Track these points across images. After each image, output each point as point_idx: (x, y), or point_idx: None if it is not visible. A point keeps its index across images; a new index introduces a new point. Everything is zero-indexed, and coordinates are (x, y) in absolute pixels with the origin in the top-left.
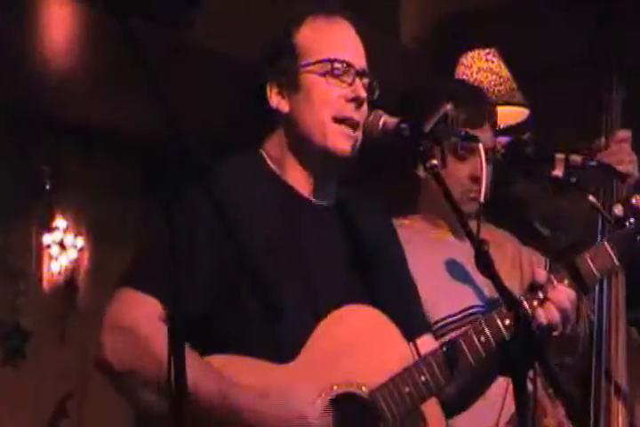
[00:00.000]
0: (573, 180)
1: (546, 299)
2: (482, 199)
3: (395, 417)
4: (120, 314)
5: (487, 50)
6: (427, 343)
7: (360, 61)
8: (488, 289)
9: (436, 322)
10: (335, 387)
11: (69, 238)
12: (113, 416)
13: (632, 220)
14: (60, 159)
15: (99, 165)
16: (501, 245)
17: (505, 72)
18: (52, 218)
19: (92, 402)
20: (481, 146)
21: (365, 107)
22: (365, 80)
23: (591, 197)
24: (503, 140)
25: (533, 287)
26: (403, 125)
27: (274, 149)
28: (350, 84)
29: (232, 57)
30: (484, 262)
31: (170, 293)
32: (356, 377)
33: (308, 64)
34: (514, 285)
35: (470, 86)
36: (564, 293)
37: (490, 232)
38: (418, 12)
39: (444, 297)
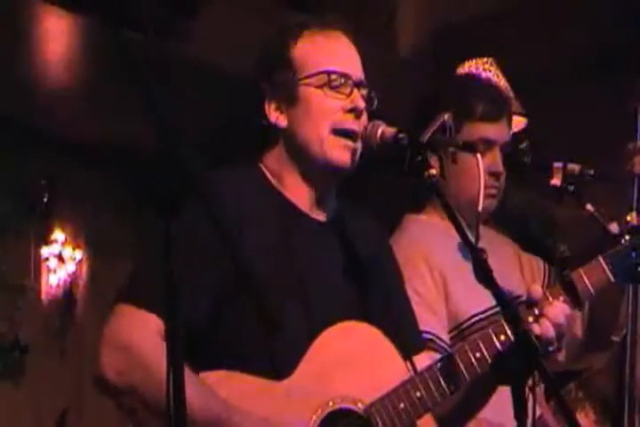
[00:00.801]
0: (571, 188)
1: (541, 315)
2: (479, 208)
3: None
4: (120, 332)
5: (484, 59)
6: (423, 361)
7: (357, 72)
8: (508, 287)
9: (464, 321)
10: (331, 403)
11: (67, 251)
12: None
13: (627, 237)
14: (56, 173)
15: (96, 178)
16: (502, 247)
17: (502, 81)
18: (49, 231)
19: (90, 415)
20: (479, 156)
21: (365, 117)
22: (363, 91)
23: (589, 206)
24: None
25: (529, 304)
26: (401, 135)
27: (273, 164)
28: (348, 95)
29: (229, 70)
30: (483, 271)
31: (173, 309)
32: (352, 393)
33: (306, 77)
34: (514, 284)
35: (487, 81)
36: (559, 308)
37: (490, 235)
38: (414, 23)
39: (470, 295)
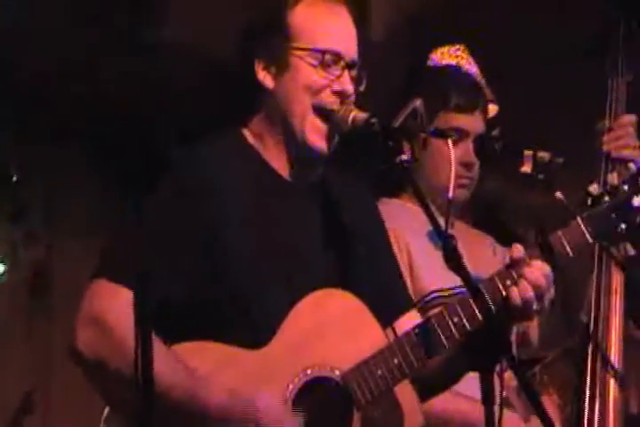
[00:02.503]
0: (541, 176)
1: (520, 276)
2: (450, 195)
3: (367, 400)
4: (92, 306)
5: (456, 46)
6: (412, 319)
7: (351, 52)
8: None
9: (425, 296)
10: (309, 371)
11: (37, 231)
12: (80, 412)
13: (607, 198)
14: (27, 151)
15: (67, 157)
16: (476, 238)
17: (475, 69)
18: (19, 210)
19: (57, 398)
20: (450, 142)
21: (352, 99)
22: (354, 72)
23: (558, 194)
24: None
25: (509, 264)
26: (372, 120)
27: (257, 126)
28: (338, 77)
29: (205, 53)
30: (452, 257)
31: (143, 281)
32: (330, 360)
33: (300, 49)
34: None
35: (465, 73)
36: (538, 269)
37: (465, 230)
38: (388, 6)
39: (433, 275)
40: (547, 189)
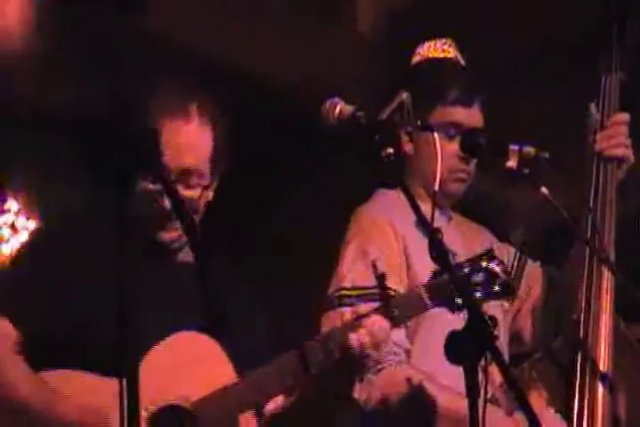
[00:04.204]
0: (526, 171)
1: (359, 325)
2: (436, 187)
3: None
4: None
5: (443, 40)
6: None
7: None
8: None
9: None
10: (160, 400)
11: (21, 221)
12: None
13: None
14: (9, 141)
15: (50, 149)
16: (475, 232)
17: (461, 62)
18: (3, 200)
19: None
20: (436, 135)
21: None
22: (197, 179)
23: (544, 189)
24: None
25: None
26: (358, 113)
27: None
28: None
29: (186, 44)
30: (438, 250)
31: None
32: (185, 392)
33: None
34: None
35: (463, 67)
36: (375, 320)
37: (464, 223)
38: (374, 4)
39: (429, 267)
40: (532, 185)
